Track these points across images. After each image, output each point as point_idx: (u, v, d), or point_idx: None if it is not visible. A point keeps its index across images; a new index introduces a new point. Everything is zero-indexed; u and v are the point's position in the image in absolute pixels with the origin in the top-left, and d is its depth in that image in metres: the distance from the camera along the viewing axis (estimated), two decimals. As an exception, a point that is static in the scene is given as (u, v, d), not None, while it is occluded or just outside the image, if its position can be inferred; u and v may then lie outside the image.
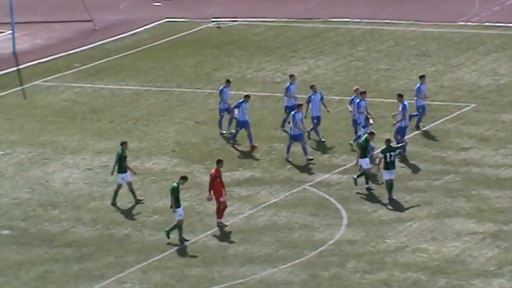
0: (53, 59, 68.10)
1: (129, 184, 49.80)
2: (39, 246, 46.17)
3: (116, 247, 45.93)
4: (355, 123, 53.82)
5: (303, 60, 67.00)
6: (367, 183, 49.83)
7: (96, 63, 67.85)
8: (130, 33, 73.07)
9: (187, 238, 45.85)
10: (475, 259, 44.20)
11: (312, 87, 55.85)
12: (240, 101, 55.10)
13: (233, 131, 55.38)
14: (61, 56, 68.43)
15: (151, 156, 54.33)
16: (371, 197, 49.46)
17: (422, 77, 56.62)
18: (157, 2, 79.32)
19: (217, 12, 75.46)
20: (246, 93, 56.09)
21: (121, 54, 69.28)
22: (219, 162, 47.78)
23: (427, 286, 42.40)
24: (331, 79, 63.76)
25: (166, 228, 45.96)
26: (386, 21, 73.29)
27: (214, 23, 74.19)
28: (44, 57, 67.21)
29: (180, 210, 45.94)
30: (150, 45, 71.02)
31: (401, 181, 49.89)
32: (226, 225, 47.18)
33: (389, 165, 49.02)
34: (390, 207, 48.60)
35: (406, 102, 53.21)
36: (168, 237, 45.75)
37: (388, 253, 44.79)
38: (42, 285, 43.28)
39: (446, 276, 42.99)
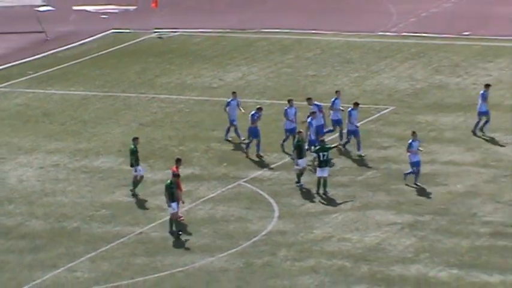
0: (7, 67, 67.80)
1: (141, 177, 50.06)
2: (-5, 237, 46.33)
3: (67, 239, 45.90)
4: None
5: (238, 67, 67.01)
6: (298, 181, 50.15)
7: (48, 70, 67.54)
8: (79, 43, 72.78)
9: (175, 230, 45.80)
10: (394, 247, 44.53)
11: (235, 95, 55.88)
12: (253, 112, 54.06)
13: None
14: (15, 64, 68.16)
15: (99, 156, 54.25)
16: (300, 192, 49.59)
17: (487, 86, 55.88)
18: (103, 15, 79.16)
19: (158, 24, 75.31)
20: (258, 106, 54.95)
21: (70, 63, 68.97)
22: (178, 161, 47.99)
23: (351, 272, 42.62)
24: (263, 84, 63.85)
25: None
26: (313, 31, 73.28)
27: (156, 33, 74.10)
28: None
29: (173, 205, 45.71)
30: (97, 54, 70.75)
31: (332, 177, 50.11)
32: (181, 218, 47.08)
33: (322, 164, 49.26)
34: (317, 200, 48.78)
35: (317, 103, 53.49)
36: (172, 233, 45.79)
37: (315, 242, 45.02)
38: (8, 275, 43.21)
39: (368, 263, 43.28)
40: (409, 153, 49.70)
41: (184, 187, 47.86)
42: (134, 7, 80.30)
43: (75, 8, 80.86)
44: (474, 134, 54.58)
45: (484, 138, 54.46)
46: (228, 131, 55.18)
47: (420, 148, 49.97)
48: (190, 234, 46.13)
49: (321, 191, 49.29)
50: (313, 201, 48.78)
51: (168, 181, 46.04)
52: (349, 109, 53.51)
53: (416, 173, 49.83)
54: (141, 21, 76.41)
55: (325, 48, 70.11)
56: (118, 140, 56.28)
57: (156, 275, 42.85)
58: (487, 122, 54.79)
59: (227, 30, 74.45)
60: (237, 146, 54.46)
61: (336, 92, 55.43)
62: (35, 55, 70.48)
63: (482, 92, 55.08)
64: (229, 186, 50.37)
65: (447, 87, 62.43)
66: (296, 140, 50.68)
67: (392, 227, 46.15)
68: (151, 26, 75.08)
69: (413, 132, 50.20)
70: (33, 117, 60.02)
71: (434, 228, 46.04)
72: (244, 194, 49.70)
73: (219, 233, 46.05)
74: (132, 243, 45.46)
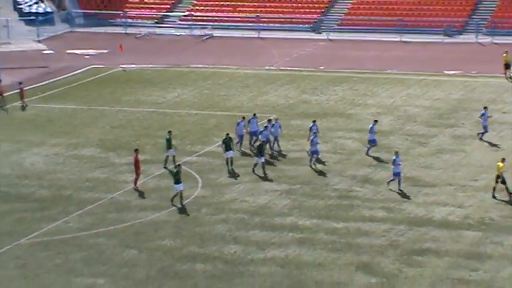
0: (24, 90, 67.15)
1: (173, 157, 49.59)
2: (16, 202, 45.72)
3: (63, 202, 45.56)
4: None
5: (175, 89, 66.76)
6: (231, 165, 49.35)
7: (50, 92, 66.81)
8: (70, 74, 72.12)
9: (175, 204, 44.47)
10: (276, 206, 44.70)
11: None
12: (270, 124, 51.76)
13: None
14: (28, 88, 67.55)
15: (84, 147, 53.80)
16: (216, 170, 49.41)
17: (486, 108, 53.23)
18: (86, 56, 78.67)
19: (123, 62, 75.01)
20: (269, 117, 53.35)
21: (65, 87, 68.30)
22: (136, 150, 47.58)
23: (248, 222, 42.71)
24: (192, 100, 63.68)
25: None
26: (224, 66, 73.47)
27: (121, 68, 73.82)
28: (18, 89, 66.35)
29: (176, 186, 44.32)
30: (83, 81, 70.03)
31: (236, 160, 49.84)
32: (138, 188, 46.87)
33: (227, 148, 48.95)
34: (228, 175, 48.84)
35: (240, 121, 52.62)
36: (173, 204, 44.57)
37: (226, 203, 45.08)
38: (19, 226, 42.75)
39: (259, 216, 43.47)
40: (393, 166, 45.83)
41: (141, 167, 47.78)
42: (107, 51, 79.92)
43: (68, 51, 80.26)
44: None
45: (335, 136, 54.66)
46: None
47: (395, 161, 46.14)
48: (144, 198, 45.99)
49: (230, 168, 49.09)
50: (225, 176, 48.74)
51: (175, 170, 45.00)
52: (371, 125, 50.93)
53: (398, 180, 45.66)
54: (111, 60, 76.03)
55: (231, 77, 70.07)
56: (97, 137, 55.85)
57: (122, 225, 42.65)
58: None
59: (168, 66, 74.23)
60: (177, 143, 54.22)
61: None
62: (41, 82, 69.68)
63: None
64: (170, 167, 50.27)
65: (310, 102, 62.73)
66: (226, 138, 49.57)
67: (275, 193, 46.27)
68: (118, 63, 74.73)
69: (396, 152, 46.77)
70: (41, 122, 59.44)
71: (301, 193, 46.27)
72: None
73: (162, 197, 45.88)
74: (107, 204, 45.25)
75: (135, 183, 47.08)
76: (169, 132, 50.76)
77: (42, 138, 55.62)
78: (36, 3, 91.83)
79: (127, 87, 67.79)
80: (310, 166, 49.31)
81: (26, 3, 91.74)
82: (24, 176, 49.29)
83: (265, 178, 47.79)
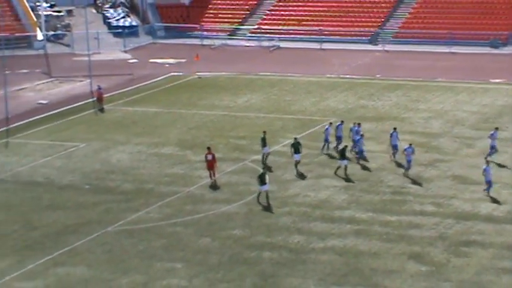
0: (112, 95, 67.79)
1: (268, 154, 49.35)
2: (104, 194, 46.09)
3: (145, 194, 45.78)
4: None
5: (245, 94, 66.84)
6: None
7: (134, 97, 67.28)
8: (152, 80, 72.72)
9: (262, 203, 43.51)
10: (335, 200, 44.45)
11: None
12: (355, 127, 50.69)
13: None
14: (115, 93, 68.23)
15: (164, 146, 53.89)
16: (282, 168, 49.15)
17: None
18: (167, 64, 79.19)
19: (199, 70, 75.40)
20: (358, 122, 51.91)
21: (148, 92, 68.82)
22: (208, 148, 47.61)
23: (310, 214, 42.52)
24: (260, 105, 63.74)
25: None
26: (289, 74, 73.39)
27: (197, 75, 74.19)
28: (107, 93, 67.03)
29: (261, 187, 43.36)
30: (163, 87, 70.47)
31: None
32: (215, 180, 46.83)
33: (296, 151, 47.98)
34: (291, 173, 48.59)
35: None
36: (259, 202, 43.54)
37: (290, 197, 44.92)
38: (107, 215, 43.19)
39: (320, 209, 43.29)
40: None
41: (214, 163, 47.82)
42: (184, 60, 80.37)
43: (150, 60, 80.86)
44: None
45: (389, 137, 54.17)
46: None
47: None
48: (217, 192, 46.00)
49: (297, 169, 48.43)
50: (288, 173, 48.61)
51: (260, 173, 44.28)
52: (392, 131, 49.66)
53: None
54: (189, 68, 76.43)
55: (295, 84, 69.92)
56: (175, 137, 56.09)
57: (197, 216, 42.73)
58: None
59: (239, 73, 74.32)
60: (247, 143, 54.28)
61: (394, 128, 50.49)
62: (126, 88, 70.26)
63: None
64: (240, 164, 50.20)
65: (367, 107, 62.30)
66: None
67: (335, 189, 46.03)
68: (194, 71, 75.11)
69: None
70: (126, 123, 59.85)
71: (358, 189, 45.93)
72: (248, 169, 49.46)
73: (233, 191, 45.94)
74: (184, 197, 45.35)
75: (213, 175, 46.92)
76: (264, 132, 50.60)
77: (127, 138, 56.01)
78: (123, 17, 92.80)
79: (202, 92, 67.96)
80: (358, 163, 49.11)
81: (114, 17, 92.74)
82: (111, 171, 49.68)
83: (347, 179, 46.91)
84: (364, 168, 48.81)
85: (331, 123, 52.23)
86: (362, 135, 50.14)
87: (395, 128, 50.62)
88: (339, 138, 51.19)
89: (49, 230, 40.99)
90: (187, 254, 38.29)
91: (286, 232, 40.46)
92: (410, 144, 47.81)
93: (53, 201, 44.84)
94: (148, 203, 44.35)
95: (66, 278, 36.13)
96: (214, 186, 46.49)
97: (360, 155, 49.25)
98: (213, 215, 42.72)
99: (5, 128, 58.23)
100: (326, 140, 51.32)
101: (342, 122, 52.21)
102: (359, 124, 51.78)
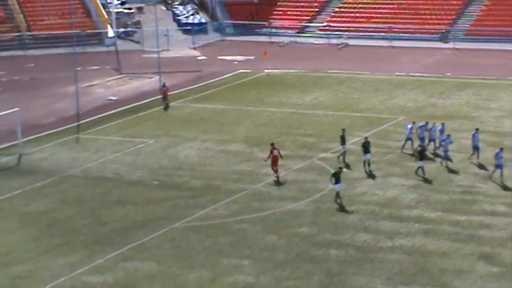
0: (180, 91, 68.28)
1: (344, 151, 49.30)
2: (172, 190, 46.39)
3: (213, 191, 45.96)
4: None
5: (313, 92, 66.78)
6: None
7: (203, 94, 67.66)
8: (220, 77, 73.07)
9: (340, 203, 43.15)
10: (404, 199, 44.17)
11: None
12: (437, 127, 50.51)
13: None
14: (184, 90, 68.77)
15: (232, 143, 54.15)
16: (349, 166, 48.95)
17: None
18: (235, 61, 79.44)
19: (267, 67, 75.48)
20: (442, 122, 51.51)
21: (216, 89, 69.19)
22: (272, 144, 47.67)
23: (378, 213, 42.35)
24: (328, 102, 63.62)
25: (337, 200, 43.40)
26: (357, 71, 73.03)
27: (265, 72, 74.31)
28: (176, 90, 67.70)
29: (336, 186, 43.07)
30: (231, 84, 70.77)
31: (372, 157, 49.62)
32: (278, 177, 46.97)
33: (366, 150, 47.86)
34: (358, 171, 48.17)
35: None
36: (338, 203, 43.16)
37: (358, 196, 44.73)
38: (174, 211, 43.33)
39: (388, 208, 43.01)
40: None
41: (281, 162, 47.89)
42: (253, 57, 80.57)
43: (219, 57, 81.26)
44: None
45: (459, 136, 53.53)
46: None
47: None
48: (284, 189, 46.04)
49: (367, 169, 48.04)
50: (356, 171, 48.40)
51: (335, 170, 43.92)
52: (474, 132, 49.13)
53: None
54: (257, 65, 76.60)
55: (364, 82, 69.61)
56: (243, 134, 56.28)
57: (264, 213, 42.81)
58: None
59: (307, 71, 74.27)
60: (314, 141, 54.22)
61: (476, 129, 49.89)
62: (195, 85, 70.69)
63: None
64: (307, 162, 50.16)
65: (436, 105, 61.73)
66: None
67: (403, 187, 45.74)
68: (262, 68, 75.25)
69: (448, 135, 48.27)
70: (194, 120, 60.17)
71: (427, 188, 45.54)
72: (316, 166, 49.42)
73: (300, 189, 45.93)
74: (250, 194, 45.47)
75: (277, 171, 47.07)
76: (343, 130, 50.51)
77: (195, 134, 56.31)
78: (192, 15, 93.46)
79: (270, 89, 68.05)
80: (441, 163, 48.63)
81: (184, 15, 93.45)
82: (179, 167, 49.99)
83: (425, 180, 46.41)
84: (433, 167, 48.32)
85: (414, 123, 51.71)
86: (448, 135, 49.49)
87: (477, 129, 49.91)
88: (422, 140, 50.51)
89: (118, 225, 41.48)
90: (254, 251, 38.39)
91: (353, 230, 40.30)
92: (502, 149, 46.50)
93: (122, 196, 45.37)
94: (215, 199, 44.57)
95: (135, 272, 36.53)
96: (280, 183, 46.49)
97: (445, 156, 48.63)
98: (279, 213, 42.74)
99: (75, 124, 59.11)
100: (408, 139, 50.76)
101: (426, 123, 51.41)
102: (443, 124, 51.23)
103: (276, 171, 47.10)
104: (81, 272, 36.56)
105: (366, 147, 48.27)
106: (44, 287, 35.23)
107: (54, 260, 37.67)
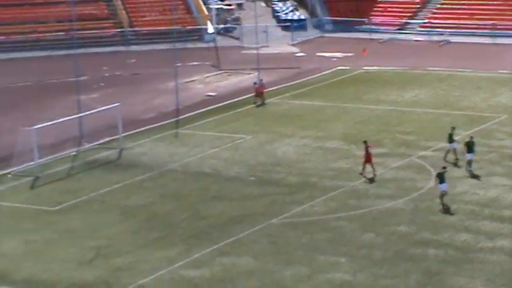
0: (279, 88, 68.55)
1: (454, 150, 48.71)
2: (270, 186, 46.58)
3: (310, 188, 45.91)
4: None
5: (412, 89, 66.16)
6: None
7: (300, 90, 67.73)
8: (318, 74, 73.10)
9: (444, 204, 42.30)
10: (505, 199, 43.41)
11: None
12: None
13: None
14: (282, 86, 68.99)
15: (329, 140, 53.91)
16: (449, 165, 48.17)
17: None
18: (334, 58, 79.30)
19: (366, 64, 75.13)
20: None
21: (314, 86, 69.17)
22: (365, 142, 47.64)
23: (478, 213, 41.71)
24: (427, 100, 62.95)
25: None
26: (458, 69, 72.02)
27: (364, 70, 73.92)
28: (274, 86, 68.01)
29: (440, 186, 42.31)
30: (329, 81, 70.66)
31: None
32: (370, 177, 46.67)
33: (469, 150, 47.20)
34: (458, 170, 47.55)
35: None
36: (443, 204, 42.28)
37: (458, 195, 44.12)
38: (271, 207, 43.46)
39: (489, 208, 42.33)
40: None
41: (378, 160, 47.52)
42: (352, 54, 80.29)
43: (317, 54, 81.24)
44: None
45: None
46: None
47: None
48: (381, 187, 45.70)
49: (469, 169, 47.31)
50: (456, 171, 47.76)
51: (440, 171, 43.26)
52: None
53: None
54: (355, 62, 76.34)
55: (465, 79, 68.67)
56: (340, 131, 56.16)
57: (361, 211, 42.64)
58: None
59: (406, 68, 73.63)
60: (414, 138, 53.71)
61: None
62: (293, 81, 70.85)
63: None
64: (406, 160, 49.73)
65: (541, 104, 60.74)
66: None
67: (505, 187, 44.95)
68: (361, 65, 74.94)
69: None
70: (291, 117, 60.29)
71: (530, 188, 44.87)
72: (414, 165, 48.96)
73: (399, 187, 45.58)
74: (348, 192, 45.33)
75: (374, 169, 46.90)
76: (453, 128, 49.95)
77: (292, 131, 56.43)
78: (291, 11, 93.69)
79: (368, 87, 67.70)
80: None
81: (283, 11, 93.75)
82: (277, 163, 50.16)
83: (494, 173, 46.10)
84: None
85: None
86: None
87: None
88: None
89: (215, 220, 41.90)
90: (351, 249, 38.29)
91: (452, 230, 39.81)
92: None
93: (220, 192, 45.81)
94: (312, 196, 44.57)
95: (232, 268, 36.88)
96: (378, 181, 46.25)
97: None
98: (377, 211, 42.52)
99: (174, 119, 59.96)
100: None
101: None
102: None
103: (373, 169, 46.80)
104: (179, 265, 37.10)
105: (469, 146, 47.53)
106: (144, 279, 35.88)
107: (153, 253, 38.33)
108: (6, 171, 49.21)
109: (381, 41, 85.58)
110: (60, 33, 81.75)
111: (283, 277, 35.91)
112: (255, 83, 64.79)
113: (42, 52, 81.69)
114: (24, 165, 49.47)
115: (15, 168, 49.32)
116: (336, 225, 40.90)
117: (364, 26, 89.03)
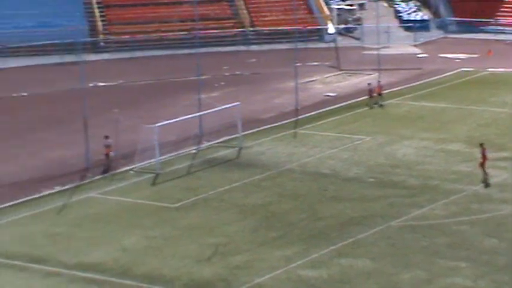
0: (400, 89, 67.90)
1: None
2: (389, 188, 46.04)
3: (430, 191, 45.03)
4: None
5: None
6: None
7: (422, 92, 66.95)
8: (441, 75, 72.05)
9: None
10: None
11: None
12: None
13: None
14: (404, 88, 68.31)
15: (452, 143, 53.15)
16: None
17: None
18: (457, 59, 78.03)
19: (491, 65, 73.61)
20: None
21: (436, 87, 68.23)
22: (481, 144, 46.79)
23: None
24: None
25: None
26: None
27: (489, 71, 72.42)
28: (394, 88, 67.35)
29: None
30: (452, 82, 69.60)
31: None
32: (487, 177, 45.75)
33: None
34: None
35: None
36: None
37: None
38: (390, 209, 43.17)
39: None
40: None
41: (502, 164, 46.41)
42: (476, 55, 78.83)
43: (440, 55, 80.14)
44: None
45: None
46: None
47: None
48: (505, 192, 44.49)
49: None
50: None
51: None
52: None
53: None
54: (480, 63, 74.91)
55: None
56: (463, 133, 55.25)
57: (484, 215, 41.57)
58: None
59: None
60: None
61: None
62: (414, 82, 70.02)
63: None
64: None
65: None
66: None
67: None
68: (486, 67, 73.45)
69: None
70: (412, 118, 59.66)
71: None
72: None
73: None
74: (470, 195, 44.53)
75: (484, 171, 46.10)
76: None
77: (413, 133, 55.84)
78: (414, 11, 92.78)
79: (493, 89, 66.41)
80: None
81: (406, 11, 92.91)
82: (396, 165, 49.72)
83: None
84: None
85: None
86: None
87: None
88: None
89: (333, 220, 41.81)
90: (473, 254, 37.59)
91: None
92: None
93: (338, 192, 45.69)
94: (432, 199, 43.96)
95: (349, 269, 36.73)
96: (502, 186, 45.27)
97: None
98: (500, 216, 41.59)
99: (293, 119, 60.14)
100: None
101: None
102: None
103: (484, 172, 45.89)
104: (297, 265, 37.17)
105: None
106: (262, 278, 36.10)
107: (271, 252, 38.54)
108: (128, 168, 50.33)
109: (508, 42, 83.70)
110: (183, 32, 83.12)
111: (401, 280, 35.55)
112: (369, 83, 64.38)
113: (165, 51, 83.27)
114: (146, 162, 50.49)
115: (137, 165, 50.40)
116: (456, 230, 40.21)
117: (489, 27, 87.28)
